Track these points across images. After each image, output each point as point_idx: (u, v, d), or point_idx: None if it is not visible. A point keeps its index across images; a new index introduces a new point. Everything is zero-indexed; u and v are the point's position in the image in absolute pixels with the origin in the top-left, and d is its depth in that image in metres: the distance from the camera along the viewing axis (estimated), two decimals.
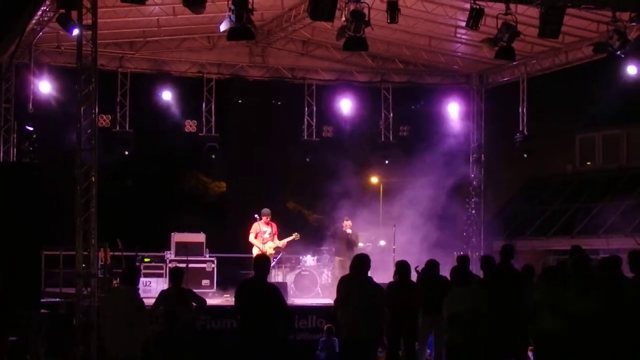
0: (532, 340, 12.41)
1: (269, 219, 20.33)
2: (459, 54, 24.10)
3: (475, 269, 16.17)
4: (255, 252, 19.83)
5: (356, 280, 12.00)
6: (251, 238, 20.25)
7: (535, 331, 11.74)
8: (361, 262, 12.07)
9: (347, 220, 21.54)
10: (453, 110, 25.63)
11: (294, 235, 20.65)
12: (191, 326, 13.40)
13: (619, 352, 11.09)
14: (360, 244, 22.21)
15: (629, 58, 19.22)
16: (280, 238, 20.57)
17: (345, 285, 12.10)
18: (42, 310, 16.15)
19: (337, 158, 25.98)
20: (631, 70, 20.05)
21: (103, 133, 20.72)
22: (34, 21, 19.15)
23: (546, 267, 12.61)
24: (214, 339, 16.77)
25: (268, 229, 20.25)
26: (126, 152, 23.21)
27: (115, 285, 17.91)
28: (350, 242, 21.26)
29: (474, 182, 25.88)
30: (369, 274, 12.21)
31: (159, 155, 35.66)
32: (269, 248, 19.98)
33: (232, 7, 16.24)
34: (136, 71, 23.41)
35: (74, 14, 16.63)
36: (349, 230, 21.36)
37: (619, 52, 18.38)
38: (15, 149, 21.62)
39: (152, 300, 13.67)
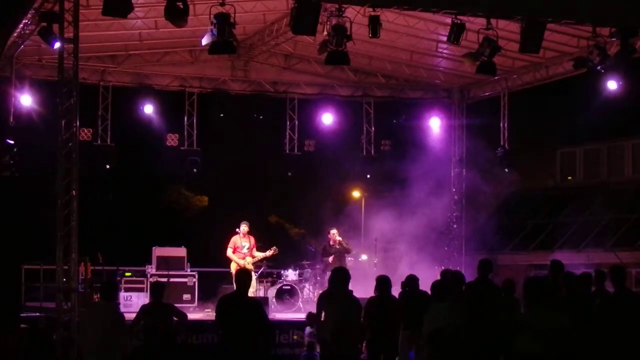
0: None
1: (247, 232, 20.25)
2: (441, 68, 24.18)
3: None
4: (233, 267, 19.80)
5: (335, 295, 11.97)
6: (229, 253, 20.10)
7: (510, 353, 11.61)
8: (340, 276, 12.06)
9: (332, 231, 21.35)
10: (434, 125, 25.72)
11: (272, 250, 20.49)
12: (172, 341, 13.34)
13: None
14: (350, 259, 22.09)
15: (609, 73, 19.30)
16: (258, 252, 20.46)
17: (324, 300, 12.09)
18: (22, 325, 16.09)
19: (318, 172, 25.96)
20: (611, 85, 20.12)
21: (84, 147, 20.58)
22: (15, 34, 19.10)
23: (529, 281, 12.45)
24: (195, 354, 16.69)
25: (247, 243, 20.14)
26: (107, 166, 23.13)
27: (96, 299, 17.83)
28: (341, 254, 21.08)
29: (455, 197, 25.94)
30: (350, 287, 12.19)
31: (141, 169, 35.48)
32: (248, 264, 19.81)
33: (214, 21, 16.27)
34: (118, 85, 23.39)
35: (56, 27, 16.63)
36: (338, 238, 21.07)
37: (599, 67, 18.48)
38: None
39: (133, 315, 13.60)
